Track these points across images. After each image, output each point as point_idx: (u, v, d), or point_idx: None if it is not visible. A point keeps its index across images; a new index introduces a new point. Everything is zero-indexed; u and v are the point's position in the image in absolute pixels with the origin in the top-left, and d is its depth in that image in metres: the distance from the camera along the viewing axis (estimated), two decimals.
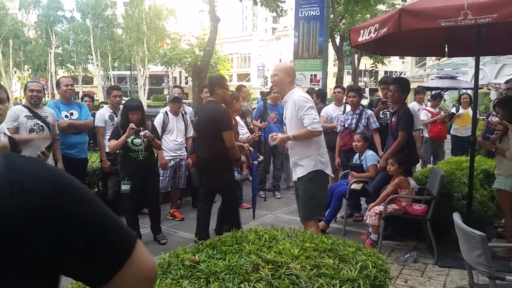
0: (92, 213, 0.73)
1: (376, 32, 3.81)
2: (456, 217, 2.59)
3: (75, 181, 0.73)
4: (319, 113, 6.37)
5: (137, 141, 4.60)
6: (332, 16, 13.63)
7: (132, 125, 4.42)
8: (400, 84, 4.68)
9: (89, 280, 0.75)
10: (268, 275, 1.91)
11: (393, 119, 4.73)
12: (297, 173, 3.82)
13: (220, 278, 1.89)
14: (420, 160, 6.04)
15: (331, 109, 6.52)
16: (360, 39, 4.12)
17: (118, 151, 4.76)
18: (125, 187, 4.52)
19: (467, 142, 7.53)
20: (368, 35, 3.96)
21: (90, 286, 0.76)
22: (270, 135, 3.88)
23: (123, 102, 5.25)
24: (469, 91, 10.95)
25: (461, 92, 11.15)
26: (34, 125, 4.29)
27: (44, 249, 0.66)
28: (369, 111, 5.75)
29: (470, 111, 7.82)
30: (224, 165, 4.34)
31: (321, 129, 3.69)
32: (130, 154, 4.61)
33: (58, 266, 0.70)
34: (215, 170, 4.31)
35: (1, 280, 0.63)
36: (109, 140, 4.76)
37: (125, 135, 4.46)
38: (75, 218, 0.70)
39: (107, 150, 5.25)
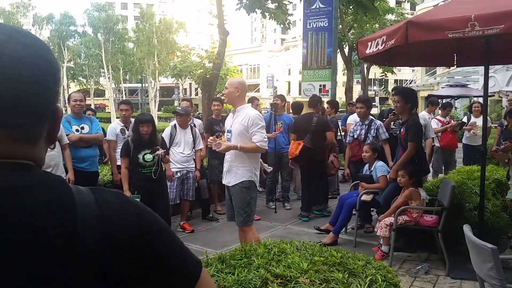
0: (170, 246, 0.79)
1: (383, 44, 3.83)
2: (467, 229, 2.56)
3: (155, 216, 0.79)
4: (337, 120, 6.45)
5: (149, 157, 4.69)
6: (340, 26, 13.70)
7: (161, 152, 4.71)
8: (403, 94, 4.70)
9: None
10: None
11: (402, 130, 4.72)
12: (232, 179, 3.98)
13: None
14: (431, 170, 6.00)
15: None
16: (367, 51, 4.14)
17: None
18: (135, 200, 4.56)
19: (478, 151, 7.49)
20: (376, 47, 3.98)
21: None
22: (213, 141, 3.95)
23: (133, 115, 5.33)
24: (480, 99, 10.87)
25: (472, 101, 11.06)
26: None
27: (125, 278, 0.71)
28: (378, 122, 5.73)
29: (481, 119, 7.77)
30: (324, 155, 6.24)
31: (267, 148, 4.16)
32: (140, 169, 4.68)
33: None
34: (321, 158, 6.14)
35: None
36: (120, 156, 4.83)
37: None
38: (156, 251, 0.75)
39: (118, 163, 5.32)
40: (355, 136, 5.71)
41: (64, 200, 0.69)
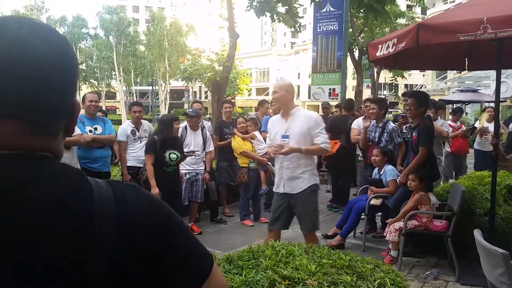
0: (184, 241, 0.79)
1: (394, 47, 3.81)
2: (477, 234, 2.53)
3: (171, 211, 0.80)
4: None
5: (174, 156, 4.82)
6: (350, 30, 13.66)
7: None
8: (417, 98, 4.64)
9: None
10: None
11: (413, 134, 4.67)
12: (298, 186, 3.81)
13: None
14: (442, 175, 5.93)
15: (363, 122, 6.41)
16: (378, 54, 4.12)
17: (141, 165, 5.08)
18: (151, 194, 4.63)
19: (490, 156, 7.40)
20: (386, 50, 3.95)
21: None
22: (275, 144, 3.77)
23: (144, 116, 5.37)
24: (492, 104, 10.75)
25: (483, 106, 10.93)
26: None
27: (140, 271, 0.72)
28: (392, 125, 5.60)
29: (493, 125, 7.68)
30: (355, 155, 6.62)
31: (329, 149, 4.01)
32: (165, 168, 4.80)
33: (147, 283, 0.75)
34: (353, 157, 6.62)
35: None
36: (146, 154, 4.90)
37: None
38: (170, 245, 0.76)
39: (128, 164, 5.36)
40: (370, 139, 5.65)
41: (83, 192, 0.70)
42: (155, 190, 4.62)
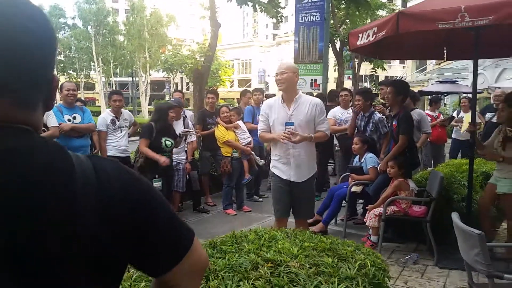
0: (164, 215, 0.80)
1: (374, 36, 3.85)
2: (455, 216, 2.60)
3: (150, 185, 0.80)
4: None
5: (169, 143, 4.99)
6: (332, 21, 13.71)
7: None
8: (395, 86, 4.73)
9: (151, 270, 0.82)
10: (267, 273, 1.93)
11: (394, 123, 4.74)
12: (304, 174, 3.76)
13: (220, 276, 1.91)
14: (421, 163, 6.04)
15: (339, 112, 6.42)
16: (358, 43, 4.16)
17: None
18: (157, 183, 4.74)
19: (467, 145, 7.60)
20: (367, 39, 3.99)
21: (150, 275, 0.85)
22: (287, 132, 3.58)
23: (124, 107, 5.31)
24: (470, 95, 10.98)
25: (461, 97, 11.18)
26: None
27: (122, 246, 0.73)
28: (378, 115, 5.57)
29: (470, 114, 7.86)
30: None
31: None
32: (161, 154, 4.91)
33: (129, 257, 0.77)
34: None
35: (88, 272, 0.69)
36: (141, 138, 4.98)
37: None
38: (151, 219, 0.77)
39: (109, 154, 5.28)
40: (356, 127, 5.66)
41: (64, 164, 0.69)
42: (162, 158, 4.78)
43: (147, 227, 0.75)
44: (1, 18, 0.66)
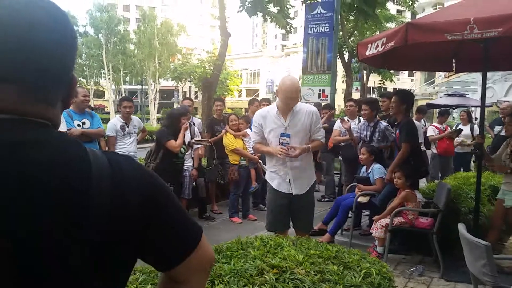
0: (176, 210, 0.83)
1: (383, 46, 3.87)
2: (461, 227, 2.59)
3: (164, 184, 0.83)
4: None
5: (182, 149, 5.15)
6: (341, 33, 13.77)
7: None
8: (400, 95, 4.80)
9: (161, 264, 0.84)
10: (273, 279, 1.93)
11: (397, 132, 4.76)
12: (304, 186, 3.67)
13: (225, 280, 1.92)
14: (428, 172, 6.02)
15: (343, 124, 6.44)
16: (367, 53, 4.18)
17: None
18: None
19: (469, 157, 7.62)
20: (376, 49, 4.01)
21: (159, 270, 0.87)
22: (287, 147, 3.48)
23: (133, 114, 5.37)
24: (472, 108, 10.94)
25: (470, 110, 11.14)
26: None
27: (133, 240, 0.75)
28: (384, 124, 5.57)
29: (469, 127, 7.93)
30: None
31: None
32: (174, 160, 5.08)
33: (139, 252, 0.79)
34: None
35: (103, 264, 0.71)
36: (164, 143, 5.06)
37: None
38: (164, 215, 0.79)
39: None
40: (361, 137, 5.67)
41: (80, 158, 0.71)
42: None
43: (156, 221, 0.77)
44: (31, 19, 0.69)
